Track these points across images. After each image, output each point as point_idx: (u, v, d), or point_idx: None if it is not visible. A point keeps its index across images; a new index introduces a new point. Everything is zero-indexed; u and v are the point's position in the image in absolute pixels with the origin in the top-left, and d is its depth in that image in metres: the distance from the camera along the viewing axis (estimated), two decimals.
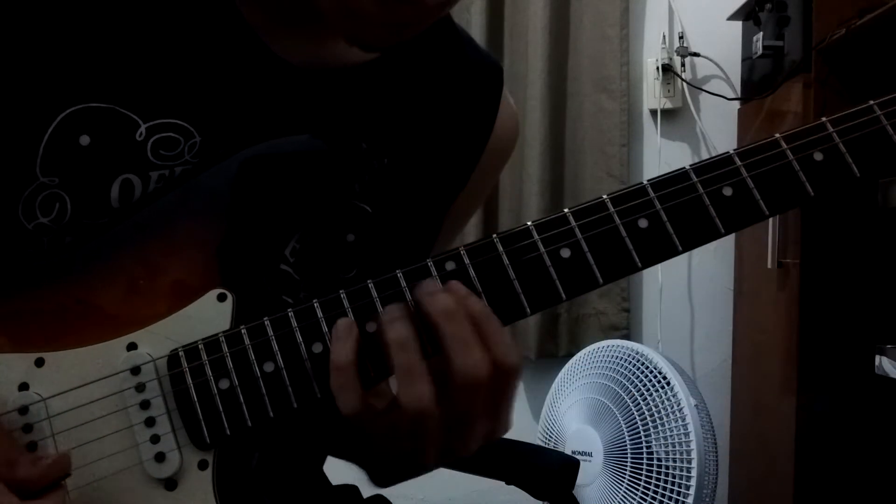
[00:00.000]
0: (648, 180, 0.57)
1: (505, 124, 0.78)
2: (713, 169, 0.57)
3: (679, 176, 0.57)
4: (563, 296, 0.57)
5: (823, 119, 0.57)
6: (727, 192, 0.56)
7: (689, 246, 0.56)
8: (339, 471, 0.85)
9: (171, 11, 0.62)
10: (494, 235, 0.57)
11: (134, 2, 0.62)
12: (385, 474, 0.68)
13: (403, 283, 0.56)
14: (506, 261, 0.56)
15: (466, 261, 0.57)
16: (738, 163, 0.57)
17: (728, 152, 0.57)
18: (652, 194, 0.57)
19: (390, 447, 0.57)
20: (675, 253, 0.57)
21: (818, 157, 0.57)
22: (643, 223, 0.57)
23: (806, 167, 0.56)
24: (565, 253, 0.56)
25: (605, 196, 0.57)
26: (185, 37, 0.62)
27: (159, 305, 0.58)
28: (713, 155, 0.58)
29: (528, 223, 0.57)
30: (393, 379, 0.54)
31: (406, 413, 0.53)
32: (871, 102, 0.57)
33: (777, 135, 0.57)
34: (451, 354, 0.53)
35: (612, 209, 0.57)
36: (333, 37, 0.66)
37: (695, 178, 0.57)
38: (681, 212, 0.56)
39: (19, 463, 0.52)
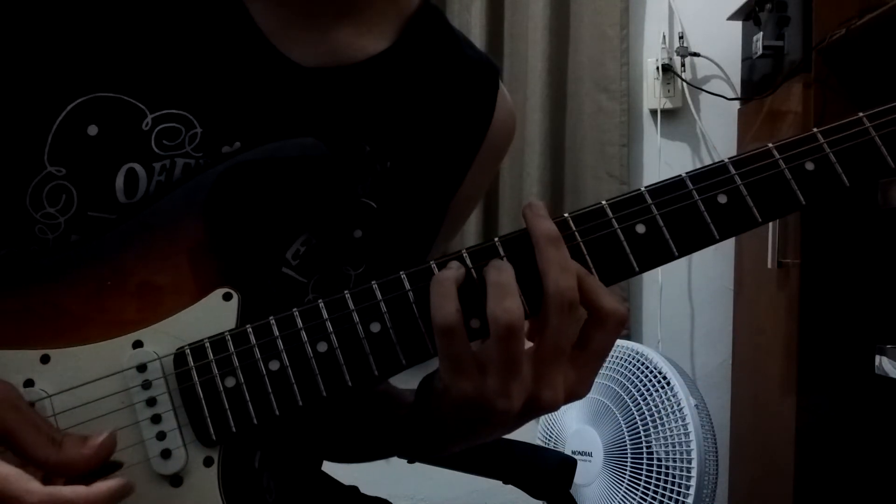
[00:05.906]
0: (646, 187, 0.59)
1: (501, 122, 0.78)
2: (709, 177, 0.58)
3: (675, 183, 0.58)
4: None
5: (815, 130, 0.59)
6: (722, 199, 0.58)
7: (684, 251, 0.58)
8: (336, 471, 0.85)
9: (179, 6, 0.63)
10: (496, 239, 0.58)
11: None
12: (448, 441, 0.65)
13: (407, 285, 0.57)
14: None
15: (469, 263, 0.57)
16: (733, 171, 0.58)
17: (723, 161, 0.59)
18: (649, 200, 0.58)
19: (474, 396, 0.55)
20: (672, 258, 0.58)
21: (809, 166, 0.58)
22: (640, 229, 0.58)
23: (798, 176, 0.58)
24: None
25: (604, 202, 0.59)
26: (191, 31, 0.63)
27: (165, 304, 0.58)
28: (710, 163, 0.60)
29: None
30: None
31: (497, 329, 0.53)
32: (861, 115, 0.59)
33: (770, 144, 0.59)
34: (548, 276, 0.54)
35: (610, 215, 0.58)
36: (341, 26, 0.67)
37: (691, 186, 0.59)
38: (677, 218, 0.58)
39: (63, 443, 0.51)
